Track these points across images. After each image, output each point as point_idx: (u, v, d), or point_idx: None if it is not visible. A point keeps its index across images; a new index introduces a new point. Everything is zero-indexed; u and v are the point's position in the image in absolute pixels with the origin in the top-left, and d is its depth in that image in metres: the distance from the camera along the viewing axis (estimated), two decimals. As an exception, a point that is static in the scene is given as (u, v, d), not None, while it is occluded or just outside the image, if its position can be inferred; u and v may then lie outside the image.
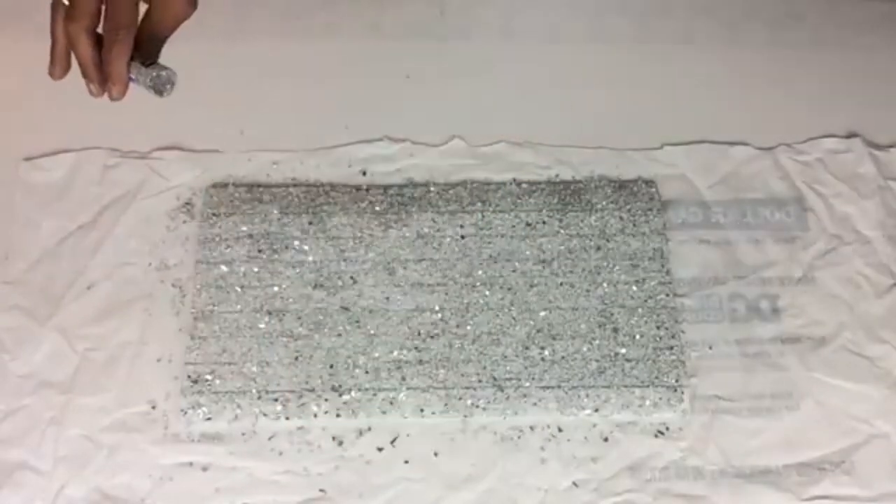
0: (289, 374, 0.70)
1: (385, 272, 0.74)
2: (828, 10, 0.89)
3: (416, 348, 0.71)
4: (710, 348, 0.72)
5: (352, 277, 0.74)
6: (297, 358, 0.71)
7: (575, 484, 0.67)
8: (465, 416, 0.69)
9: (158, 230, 0.76)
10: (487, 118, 0.82)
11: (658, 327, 0.72)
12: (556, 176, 0.79)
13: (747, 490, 0.67)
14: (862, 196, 0.79)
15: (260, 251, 0.75)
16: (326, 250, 0.75)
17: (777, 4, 0.90)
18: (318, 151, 0.80)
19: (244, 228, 0.76)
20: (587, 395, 0.70)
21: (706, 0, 0.89)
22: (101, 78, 0.57)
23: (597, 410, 0.69)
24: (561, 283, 0.74)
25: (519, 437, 0.69)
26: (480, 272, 0.74)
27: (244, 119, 0.82)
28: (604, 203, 0.77)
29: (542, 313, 0.73)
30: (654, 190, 0.78)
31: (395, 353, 0.71)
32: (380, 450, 0.69)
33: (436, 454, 0.68)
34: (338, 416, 0.69)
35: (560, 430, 0.69)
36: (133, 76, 0.59)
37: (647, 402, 0.70)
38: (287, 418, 0.69)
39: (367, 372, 0.70)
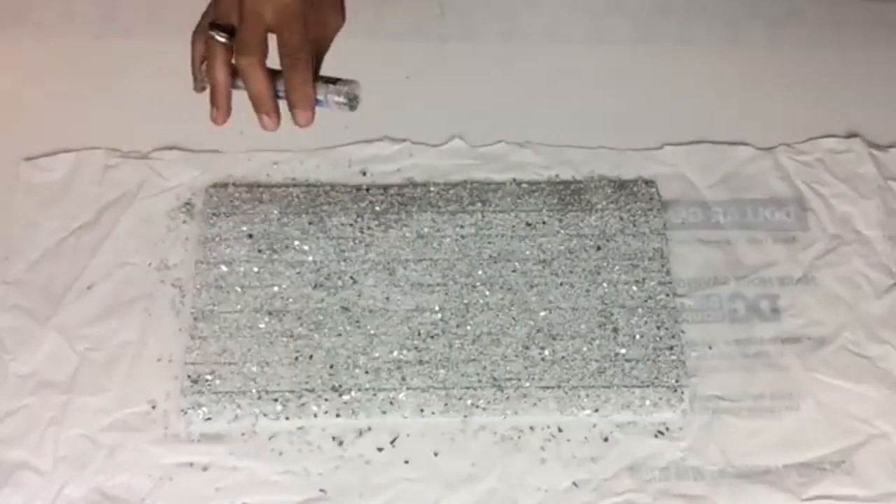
0: (289, 374, 0.70)
1: (385, 272, 0.74)
2: (828, 11, 0.89)
3: (416, 348, 0.71)
4: (710, 348, 0.72)
5: (352, 277, 0.74)
6: (297, 358, 0.71)
7: (575, 484, 0.67)
8: (465, 416, 0.69)
9: (158, 230, 0.76)
10: (487, 118, 0.82)
11: (658, 327, 0.72)
12: (556, 176, 0.79)
13: (747, 490, 0.67)
14: (862, 196, 0.79)
15: (260, 251, 0.75)
16: (326, 250, 0.75)
17: (777, 4, 0.90)
18: (318, 151, 0.80)
19: (244, 228, 0.76)
20: (587, 395, 0.70)
21: (706, 0, 0.89)
22: (277, 108, 0.55)
23: (597, 410, 0.69)
24: (561, 283, 0.74)
25: (519, 437, 0.69)
26: (480, 272, 0.74)
27: (244, 119, 0.82)
28: (604, 203, 0.77)
29: (542, 313, 0.73)
30: (654, 190, 0.78)
31: (395, 353, 0.71)
32: (380, 450, 0.69)
33: (436, 454, 0.68)
34: (338, 416, 0.69)
35: (560, 430, 0.69)
36: (320, 97, 0.56)
37: (647, 402, 0.70)
38: (287, 418, 0.69)
39: (367, 372, 0.70)
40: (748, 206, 0.78)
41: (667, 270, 0.75)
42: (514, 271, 0.74)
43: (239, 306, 0.73)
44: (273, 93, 0.54)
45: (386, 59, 0.85)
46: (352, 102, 0.57)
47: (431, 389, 0.70)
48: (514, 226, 0.76)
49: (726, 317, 0.74)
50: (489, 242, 0.75)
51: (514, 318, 0.72)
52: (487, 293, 0.73)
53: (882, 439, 0.69)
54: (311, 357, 0.71)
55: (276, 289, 0.73)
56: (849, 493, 0.67)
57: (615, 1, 0.90)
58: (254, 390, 0.69)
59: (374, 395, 0.69)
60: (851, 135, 0.82)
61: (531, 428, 0.69)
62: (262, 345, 0.71)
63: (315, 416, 0.69)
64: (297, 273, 0.74)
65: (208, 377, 0.70)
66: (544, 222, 0.76)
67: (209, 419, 0.69)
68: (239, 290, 0.73)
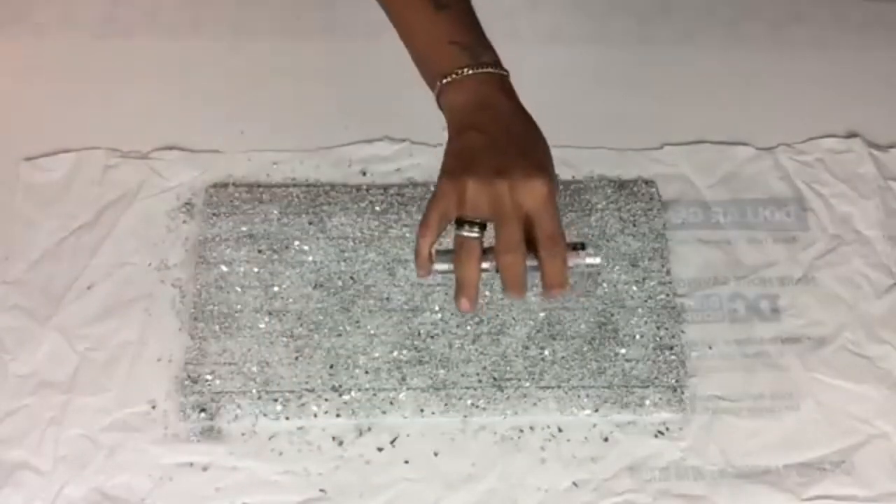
0: (289, 374, 0.70)
1: (385, 272, 0.74)
2: (828, 11, 0.89)
3: (416, 348, 0.71)
4: (710, 348, 0.72)
5: (352, 277, 0.74)
6: (297, 358, 0.71)
7: (575, 484, 0.67)
8: (465, 416, 0.69)
9: (158, 230, 0.76)
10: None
11: (658, 327, 0.72)
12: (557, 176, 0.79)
13: (747, 490, 0.67)
14: (862, 196, 0.79)
15: (260, 251, 0.75)
16: (326, 250, 0.75)
17: (777, 5, 0.90)
18: (318, 151, 0.80)
19: (244, 228, 0.76)
20: (587, 395, 0.70)
21: (706, 0, 0.89)
22: (525, 290, 0.54)
23: (597, 410, 0.69)
24: (561, 283, 0.74)
25: (519, 437, 0.69)
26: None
27: (244, 119, 0.82)
28: (604, 203, 0.77)
29: (542, 313, 0.73)
30: (654, 190, 0.78)
31: (395, 353, 0.71)
32: (380, 450, 0.69)
33: (436, 454, 0.68)
34: (338, 416, 0.69)
35: (560, 430, 0.69)
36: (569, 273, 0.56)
37: (647, 402, 0.70)
38: (287, 418, 0.69)
39: (367, 372, 0.70)
40: (748, 206, 0.78)
41: (667, 270, 0.75)
42: (514, 271, 0.74)
43: (239, 306, 0.73)
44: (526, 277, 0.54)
45: (386, 59, 0.85)
46: (595, 282, 0.60)
47: (431, 389, 0.70)
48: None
49: (726, 317, 0.74)
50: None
51: (514, 318, 0.72)
52: (487, 293, 0.73)
53: (882, 439, 0.69)
54: (311, 357, 0.71)
55: (276, 289, 0.73)
56: (849, 493, 0.67)
57: (615, 1, 0.90)
58: (254, 390, 0.69)
59: (374, 395, 0.69)
60: (851, 135, 0.82)
61: (531, 428, 0.69)
62: (262, 345, 0.71)
63: (315, 416, 0.69)
64: (297, 273, 0.74)
65: (208, 377, 0.70)
66: (544, 222, 0.76)
67: (209, 419, 0.69)
68: (239, 290, 0.73)
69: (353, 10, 0.88)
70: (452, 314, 0.72)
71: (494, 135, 0.55)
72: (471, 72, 0.57)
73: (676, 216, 0.78)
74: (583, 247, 0.56)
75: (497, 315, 0.73)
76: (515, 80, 0.85)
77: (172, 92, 0.82)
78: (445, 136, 0.81)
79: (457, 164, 0.54)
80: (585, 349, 0.71)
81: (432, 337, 0.72)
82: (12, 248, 0.75)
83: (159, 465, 0.67)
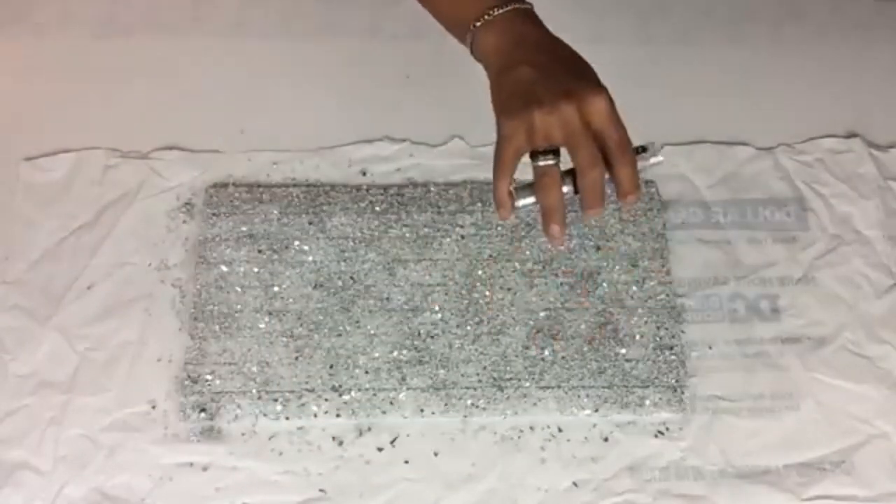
0: (289, 374, 0.70)
1: (385, 272, 0.74)
2: (828, 11, 0.89)
3: (416, 348, 0.71)
4: (710, 348, 0.72)
5: (352, 277, 0.74)
6: (297, 358, 0.71)
7: (575, 484, 0.67)
8: (465, 416, 0.69)
9: (158, 230, 0.76)
10: (487, 118, 0.82)
11: (658, 327, 0.72)
12: None
13: (747, 490, 0.67)
14: (862, 196, 0.79)
15: (260, 251, 0.75)
16: (326, 250, 0.75)
17: (777, 5, 0.90)
18: (318, 151, 0.80)
19: (244, 228, 0.76)
20: (587, 395, 0.70)
21: (706, 0, 0.89)
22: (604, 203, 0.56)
23: (597, 410, 0.69)
24: (561, 283, 0.74)
25: (519, 437, 0.69)
26: (480, 272, 0.74)
27: (244, 119, 0.82)
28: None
29: (542, 313, 0.73)
30: (654, 190, 0.78)
31: (395, 353, 0.71)
32: (380, 450, 0.69)
33: (436, 454, 0.68)
34: (338, 416, 0.69)
35: (560, 430, 0.69)
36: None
37: (647, 402, 0.70)
38: (287, 418, 0.69)
39: (367, 372, 0.70)
40: (748, 206, 0.78)
41: (667, 270, 0.75)
42: (514, 271, 0.74)
43: (239, 306, 0.73)
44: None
45: (386, 59, 0.85)
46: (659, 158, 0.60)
47: (431, 389, 0.70)
48: (514, 226, 0.76)
49: (726, 317, 0.74)
50: (489, 242, 0.75)
51: (514, 318, 0.72)
52: (487, 293, 0.73)
53: (882, 439, 0.69)
54: (311, 357, 0.71)
55: (276, 289, 0.73)
56: (849, 493, 0.67)
57: (615, 1, 0.90)
58: (254, 390, 0.69)
59: (374, 395, 0.69)
60: (851, 135, 0.82)
61: (531, 428, 0.69)
62: (262, 345, 0.71)
63: (315, 416, 0.69)
64: (297, 273, 0.74)
65: (208, 377, 0.70)
66: (544, 222, 0.76)
67: (209, 419, 0.69)
68: (239, 290, 0.73)
69: (353, 10, 0.88)
70: (452, 314, 0.72)
71: (543, 64, 0.57)
72: (500, 11, 0.58)
73: (676, 216, 0.78)
74: (644, 149, 0.58)
75: (497, 315, 0.73)
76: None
77: (172, 92, 0.82)
78: (446, 135, 0.82)
79: (515, 100, 0.56)
80: (585, 349, 0.71)
81: (432, 337, 0.72)
82: (12, 248, 0.75)
83: (159, 465, 0.67)
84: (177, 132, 0.81)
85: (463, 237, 0.75)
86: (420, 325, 0.72)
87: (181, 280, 0.74)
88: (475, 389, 0.70)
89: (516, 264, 0.74)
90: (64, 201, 0.77)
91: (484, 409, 0.69)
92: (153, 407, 0.70)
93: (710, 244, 0.77)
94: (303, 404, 0.69)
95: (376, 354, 0.71)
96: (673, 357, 0.71)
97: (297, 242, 0.75)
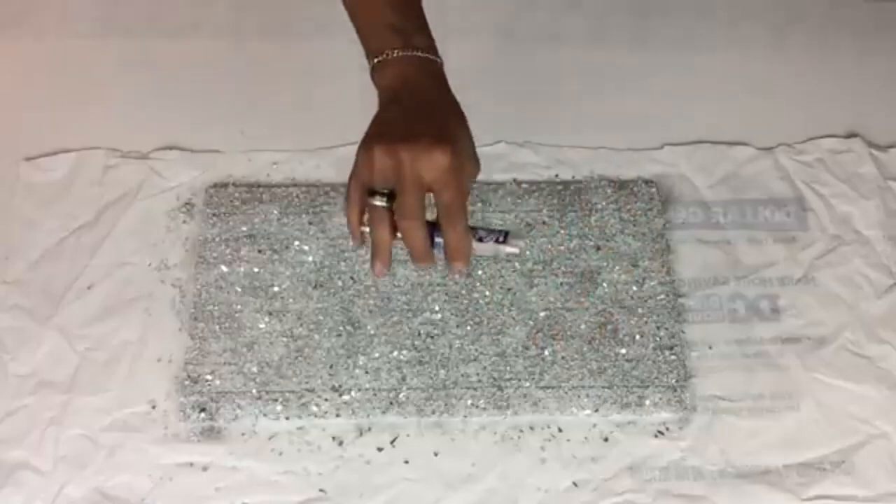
0: (289, 374, 0.70)
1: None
2: (828, 11, 0.89)
3: (416, 348, 0.71)
4: (710, 348, 0.72)
5: (352, 277, 0.74)
6: (297, 358, 0.71)
7: (575, 484, 0.67)
8: (465, 416, 0.69)
9: (158, 230, 0.76)
10: (487, 118, 0.82)
11: (658, 327, 0.72)
12: (556, 176, 0.79)
13: (747, 490, 0.67)
14: (862, 196, 0.79)
15: (260, 251, 0.75)
16: (326, 250, 0.75)
17: (777, 5, 0.90)
18: (318, 151, 0.80)
19: (244, 228, 0.76)
20: (587, 395, 0.70)
21: (706, 0, 0.89)
22: (433, 258, 0.57)
23: (597, 410, 0.69)
24: (561, 283, 0.74)
25: (519, 437, 0.69)
26: (480, 272, 0.74)
27: (244, 119, 0.82)
28: (604, 203, 0.77)
29: (542, 313, 0.73)
30: (654, 190, 0.78)
31: (395, 353, 0.71)
32: (380, 450, 0.68)
33: (436, 454, 0.68)
34: (338, 416, 0.69)
35: (560, 430, 0.69)
36: (478, 252, 0.59)
37: (647, 402, 0.70)
38: (287, 418, 0.69)
39: (367, 372, 0.70)
40: (748, 206, 0.78)
41: (667, 270, 0.75)
42: (514, 271, 0.74)
43: (239, 306, 0.73)
44: (430, 245, 0.57)
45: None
46: (518, 247, 0.61)
47: (431, 389, 0.70)
48: (514, 226, 0.76)
49: (726, 317, 0.74)
50: (489, 242, 0.75)
51: (514, 318, 0.72)
52: (487, 293, 0.73)
53: (882, 439, 0.69)
54: (311, 357, 0.71)
55: (276, 289, 0.73)
56: (849, 493, 0.67)
57: (615, 1, 0.90)
58: (254, 390, 0.69)
59: (374, 395, 0.69)
60: (851, 135, 0.82)
61: (531, 428, 0.69)
62: (262, 345, 0.71)
63: (315, 416, 0.69)
64: (297, 273, 0.74)
65: (208, 377, 0.70)
66: (544, 222, 0.76)
67: (209, 419, 0.69)
68: (239, 290, 0.73)
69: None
70: (452, 314, 0.72)
71: (411, 109, 0.58)
72: (400, 53, 0.59)
73: (676, 216, 0.78)
74: (506, 234, 0.58)
75: (497, 315, 0.73)
76: (515, 80, 0.86)
77: (172, 92, 0.82)
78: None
79: (371, 137, 0.57)
80: (585, 349, 0.71)
81: (432, 337, 0.72)
82: (12, 248, 0.75)
83: (159, 465, 0.67)
84: (177, 132, 0.81)
85: (463, 237, 0.75)
86: (420, 325, 0.72)
87: (181, 280, 0.74)
88: (475, 389, 0.70)
89: (516, 264, 0.74)
90: (64, 201, 0.77)
91: (484, 409, 0.69)
92: (153, 407, 0.70)
93: (710, 244, 0.77)
94: (303, 404, 0.69)
95: (376, 354, 0.71)
96: (673, 357, 0.71)
97: (297, 242, 0.75)
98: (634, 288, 0.74)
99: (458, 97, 0.83)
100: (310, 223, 0.76)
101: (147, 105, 0.82)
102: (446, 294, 0.73)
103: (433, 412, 0.69)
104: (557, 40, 0.88)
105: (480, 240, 0.58)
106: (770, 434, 0.69)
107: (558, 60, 0.86)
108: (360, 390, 0.70)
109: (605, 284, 0.74)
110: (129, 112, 0.82)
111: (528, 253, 0.75)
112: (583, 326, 0.72)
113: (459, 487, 0.67)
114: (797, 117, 0.83)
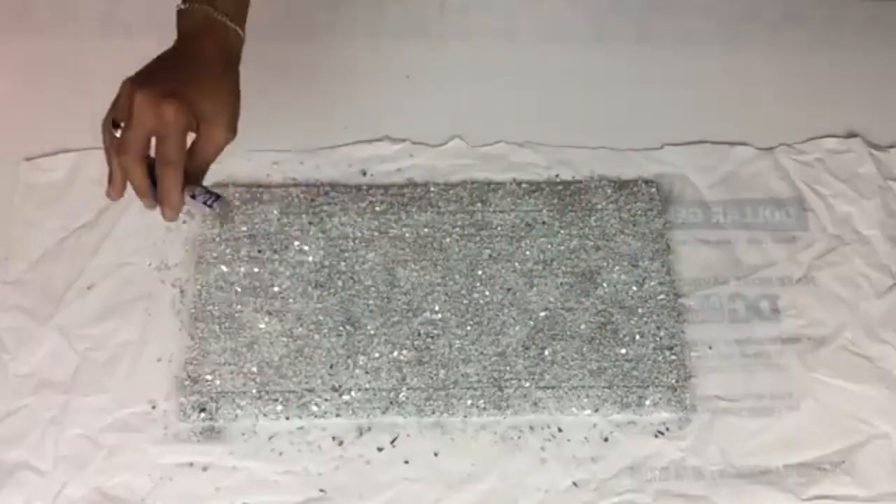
0: (289, 374, 0.70)
1: (385, 272, 0.74)
2: (827, 11, 0.89)
3: (416, 348, 0.71)
4: (710, 348, 0.72)
5: (352, 277, 0.74)
6: (297, 358, 0.71)
7: (575, 484, 0.67)
8: (465, 416, 0.69)
9: (158, 230, 0.76)
10: (487, 118, 0.82)
11: (658, 327, 0.72)
12: (556, 176, 0.79)
13: (747, 490, 0.67)
14: (862, 196, 0.79)
15: (260, 251, 0.75)
16: (326, 250, 0.75)
17: (777, 5, 0.90)
18: (318, 151, 0.80)
19: (244, 228, 0.76)
20: (587, 395, 0.70)
21: (706, 0, 0.89)
22: (155, 200, 0.60)
23: (597, 410, 0.69)
24: (561, 283, 0.74)
25: (519, 437, 0.69)
26: (480, 272, 0.74)
27: (245, 119, 0.82)
28: (604, 203, 0.77)
29: (542, 313, 0.73)
30: (654, 190, 0.78)
31: (395, 353, 0.71)
32: (380, 450, 0.69)
33: (436, 454, 0.68)
34: (338, 416, 0.69)
35: (560, 430, 0.69)
36: (186, 203, 0.61)
37: (647, 402, 0.70)
38: (287, 418, 0.69)
39: (367, 372, 0.70)
40: (748, 206, 0.78)
41: (667, 270, 0.75)
42: (514, 271, 0.74)
43: (239, 306, 0.73)
44: (150, 184, 0.60)
45: (386, 59, 0.85)
46: (221, 217, 0.65)
47: (431, 389, 0.70)
48: (514, 226, 0.76)
49: (726, 317, 0.74)
50: (489, 242, 0.75)
51: (514, 318, 0.72)
52: (487, 293, 0.73)
53: (882, 439, 0.69)
54: (311, 357, 0.71)
55: (276, 289, 0.73)
56: (849, 493, 0.67)
57: (615, 1, 0.90)
58: (254, 390, 0.69)
59: (374, 395, 0.69)
60: (851, 135, 0.82)
61: (531, 428, 0.69)
62: (262, 345, 0.71)
63: (315, 416, 0.69)
64: (297, 273, 0.74)
65: (208, 377, 0.70)
66: (544, 222, 0.76)
67: (209, 419, 0.69)
68: (239, 290, 0.73)
69: (353, 10, 0.88)
70: (452, 314, 0.72)
71: (176, 58, 0.62)
72: (201, 8, 0.64)
73: (676, 216, 0.78)
74: (217, 197, 0.61)
75: (497, 315, 0.73)
76: (515, 80, 0.86)
77: (172, 92, 0.82)
78: (446, 135, 0.82)
79: (137, 72, 0.61)
80: (585, 349, 0.71)
81: (432, 337, 0.72)
82: (12, 248, 0.75)
83: (159, 465, 0.67)
84: (177, 132, 0.80)
85: (463, 237, 0.75)
86: (420, 325, 0.72)
87: (181, 280, 0.74)
88: (475, 389, 0.70)
89: (516, 264, 0.74)
90: (64, 201, 0.77)
91: (484, 409, 0.69)
92: (153, 407, 0.70)
93: (710, 244, 0.77)
94: (303, 404, 0.69)
95: (376, 354, 0.71)
96: (673, 357, 0.71)
97: (297, 242, 0.75)
98: (634, 288, 0.74)
99: (459, 96, 0.84)
100: (310, 223, 0.76)
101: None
102: (446, 294, 0.73)
103: (433, 412, 0.69)
104: (557, 40, 0.88)
105: (193, 196, 0.61)
106: (770, 434, 0.69)
107: (558, 60, 0.86)
108: (360, 390, 0.70)
109: (605, 284, 0.74)
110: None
111: (527, 253, 0.75)
112: (583, 326, 0.72)
113: (459, 487, 0.67)
114: (797, 117, 0.83)
